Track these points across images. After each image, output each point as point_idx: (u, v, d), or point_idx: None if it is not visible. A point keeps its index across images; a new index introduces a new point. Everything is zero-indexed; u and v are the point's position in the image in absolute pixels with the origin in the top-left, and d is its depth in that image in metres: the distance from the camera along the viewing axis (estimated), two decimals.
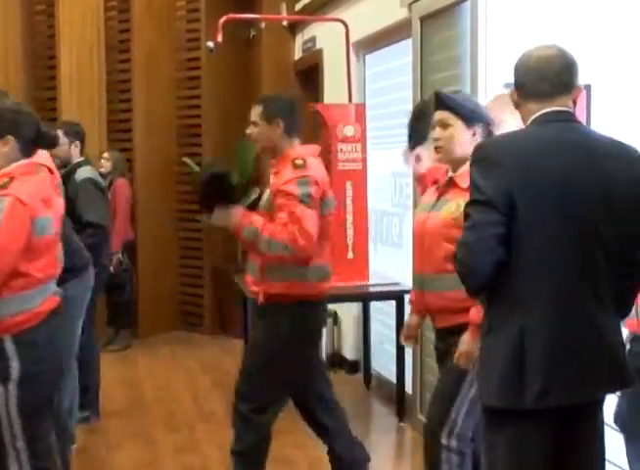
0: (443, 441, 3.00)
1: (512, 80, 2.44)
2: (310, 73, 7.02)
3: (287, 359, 3.53)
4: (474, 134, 3.01)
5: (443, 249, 2.97)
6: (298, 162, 3.47)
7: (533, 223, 2.27)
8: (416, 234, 3.17)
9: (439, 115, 3.05)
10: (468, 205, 2.33)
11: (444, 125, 3.03)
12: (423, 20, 4.56)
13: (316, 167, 3.52)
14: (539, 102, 2.36)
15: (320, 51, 6.77)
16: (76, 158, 4.98)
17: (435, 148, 3.08)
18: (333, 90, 6.41)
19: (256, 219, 3.41)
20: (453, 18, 4.26)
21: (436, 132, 3.05)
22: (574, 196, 2.27)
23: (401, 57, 5.21)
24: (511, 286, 2.30)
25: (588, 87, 3.76)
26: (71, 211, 4.84)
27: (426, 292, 3.11)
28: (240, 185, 7.49)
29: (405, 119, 3.82)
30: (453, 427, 3.01)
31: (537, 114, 2.36)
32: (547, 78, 2.35)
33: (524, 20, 3.85)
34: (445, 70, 4.38)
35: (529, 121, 2.39)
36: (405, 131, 3.70)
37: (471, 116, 3.02)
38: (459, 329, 2.96)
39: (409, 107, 4.73)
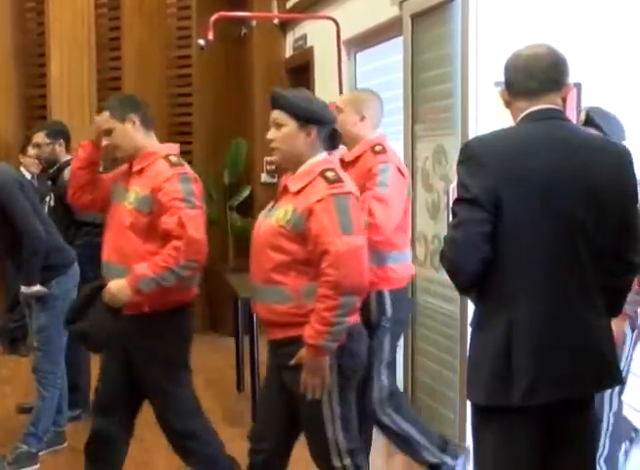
0: (337, 464, 2.92)
1: (502, 79, 2.44)
2: (301, 71, 7.01)
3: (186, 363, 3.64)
4: (308, 134, 2.88)
5: (270, 258, 2.84)
6: (174, 159, 3.34)
7: (523, 222, 2.27)
8: (251, 241, 3.00)
9: (274, 114, 2.94)
10: (455, 203, 2.33)
11: (278, 125, 2.91)
12: (414, 18, 4.57)
13: (189, 167, 3.41)
14: (528, 100, 2.36)
15: (311, 49, 6.77)
16: (63, 156, 4.95)
17: (271, 149, 2.96)
18: (324, 88, 6.40)
19: (138, 268, 3.23)
20: (444, 16, 4.26)
21: (271, 133, 2.95)
22: (561, 193, 2.27)
23: (392, 55, 5.21)
24: (500, 284, 2.30)
25: (578, 85, 3.77)
26: (64, 210, 4.84)
27: (256, 302, 2.97)
28: (232, 184, 7.53)
29: (396, 117, 3.82)
30: (339, 448, 2.91)
31: (526, 111, 2.36)
32: (535, 76, 2.35)
33: (514, 18, 3.86)
34: (436, 68, 4.38)
35: (518, 119, 2.39)
36: (397, 128, 3.71)
37: (305, 115, 2.88)
38: (287, 342, 2.87)
39: (400, 105, 4.74)
